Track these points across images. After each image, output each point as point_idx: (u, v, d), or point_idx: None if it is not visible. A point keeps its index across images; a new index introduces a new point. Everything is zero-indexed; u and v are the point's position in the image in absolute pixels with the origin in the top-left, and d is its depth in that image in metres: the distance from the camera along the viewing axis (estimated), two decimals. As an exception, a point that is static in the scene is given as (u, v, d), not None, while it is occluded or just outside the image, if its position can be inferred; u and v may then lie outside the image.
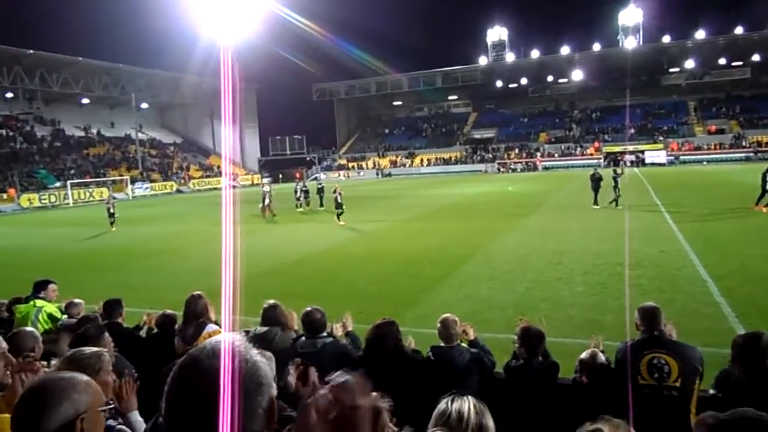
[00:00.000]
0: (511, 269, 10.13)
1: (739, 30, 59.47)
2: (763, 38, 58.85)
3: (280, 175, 62.85)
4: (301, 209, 23.95)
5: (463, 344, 3.53)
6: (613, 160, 54.12)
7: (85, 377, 1.45)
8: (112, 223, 20.51)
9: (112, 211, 20.70)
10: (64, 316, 5.04)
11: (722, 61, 61.44)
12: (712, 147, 55.70)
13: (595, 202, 18.92)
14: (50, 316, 5.03)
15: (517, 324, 3.57)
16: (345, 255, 12.66)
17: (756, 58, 60.03)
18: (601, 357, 3.20)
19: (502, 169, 58.57)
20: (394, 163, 65.99)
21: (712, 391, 2.99)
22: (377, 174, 62.77)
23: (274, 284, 9.50)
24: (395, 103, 77.03)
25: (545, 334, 3.40)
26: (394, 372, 3.08)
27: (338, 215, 18.53)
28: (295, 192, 24.77)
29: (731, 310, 6.95)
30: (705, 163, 52.11)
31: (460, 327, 3.54)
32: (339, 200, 18.53)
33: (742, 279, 8.50)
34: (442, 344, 3.48)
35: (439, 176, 55.58)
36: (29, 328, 3.40)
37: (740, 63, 61.43)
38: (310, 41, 56.95)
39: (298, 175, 56.17)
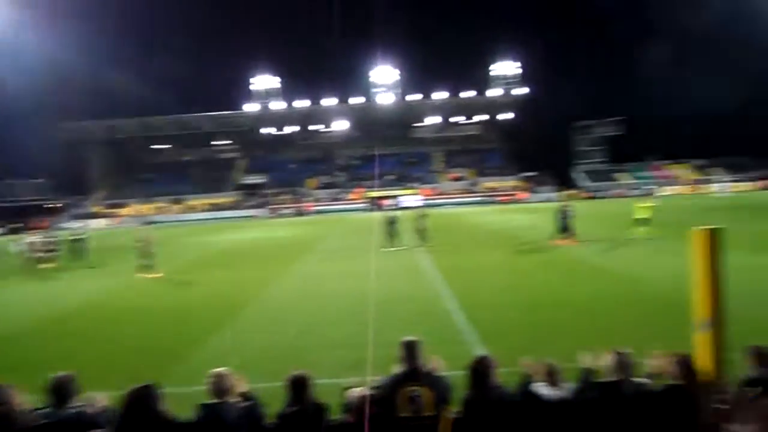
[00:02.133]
0: (283, 315, 11.66)
1: (469, 93, 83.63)
2: (486, 102, 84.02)
3: (18, 225, 62.82)
4: (45, 265, 22.74)
5: (234, 399, 3.85)
6: (377, 205, 70.23)
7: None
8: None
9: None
10: None
11: (458, 118, 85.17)
12: (456, 192, 76.04)
13: (390, 245, 22.55)
14: None
15: (289, 371, 4.00)
16: (106, 311, 13.24)
17: (482, 117, 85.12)
18: (366, 394, 3.75)
19: (272, 215, 69.46)
20: (159, 210, 72.01)
21: (454, 413, 3.80)
22: (140, 222, 67.59)
23: (15, 352, 9.81)
24: (160, 146, 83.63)
25: (309, 378, 3.93)
26: None
27: (145, 266, 18.99)
28: (35, 245, 23.63)
29: (476, 337, 8.98)
30: (450, 206, 70.63)
31: (231, 380, 3.87)
32: (147, 250, 19.19)
33: (482, 308, 11.04)
34: (213, 401, 3.78)
35: (209, 222, 62.88)
36: None
37: (472, 121, 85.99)
38: (60, 68, 59.39)
39: (41, 225, 57.98)
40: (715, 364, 3.85)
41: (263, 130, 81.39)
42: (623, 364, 3.83)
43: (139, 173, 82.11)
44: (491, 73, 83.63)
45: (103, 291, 16.42)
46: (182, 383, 6.51)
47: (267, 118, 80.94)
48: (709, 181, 71.53)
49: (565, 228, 22.27)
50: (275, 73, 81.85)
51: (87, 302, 14.65)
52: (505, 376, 4.12)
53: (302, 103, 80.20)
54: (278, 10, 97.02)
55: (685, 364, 3.84)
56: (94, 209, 73.19)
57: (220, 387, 3.86)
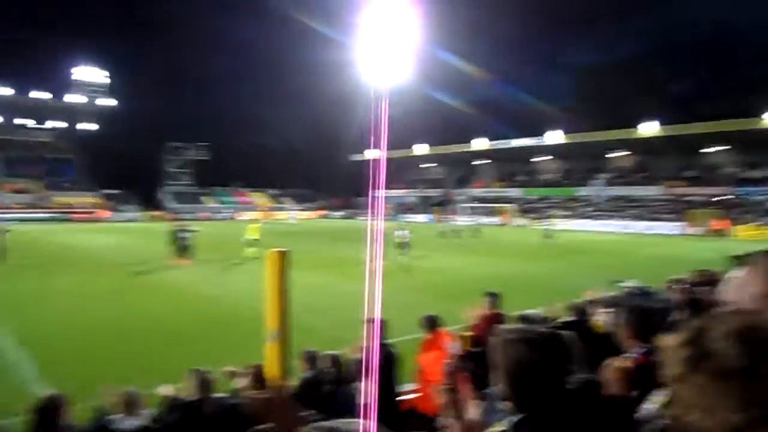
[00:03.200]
0: None
1: (42, 94, 73.05)
2: (63, 107, 74.96)
3: None
4: None
5: None
6: None
7: None
8: None
9: None
10: None
11: (26, 121, 73.20)
12: (20, 207, 64.65)
13: None
14: None
15: None
16: None
17: (58, 124, 75.45)
18: None
19: None
20: None
21: None
22: None
23: None
24: None
25: None
26: None
27: None
28: None
29: (33, 373, 8.11)
30: (16, 223, 59.68)
31: None
32: None
33: (40, 337, 10.09)
34: None
35: None
36: None
37: (44, 126, 75.28)
38: None
39: None
40: (281, 370, 4.40)
41: None
42: (203, 383, 3.99)
43: None
44: (72, 77, 75.46)
45: None
46: None
47: None
48: (282, 209, 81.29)
49: (183, 248, 22.13)
50: None
51: None
52: (80, 413, 3.77)
53: None
54: None
55: (257, 374, 4.26)
56: None
57: None
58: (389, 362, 4.80)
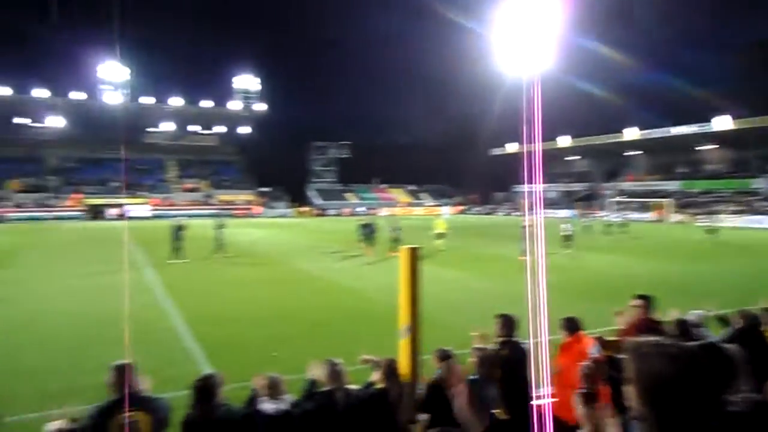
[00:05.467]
0: None
1: (208, 103, 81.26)
2: (226, 114, 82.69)
3: None
4: None
5: None
6: (98, 212, 62.88)
7: None
8: None
9: None
10: None
11: (195, 127, 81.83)
12: (189, 204, 72.51)
13: (176, 257, 21.10)
14: None
15: None
16: None
17: (221, 129, 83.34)
18: (66, 427, 3.51)
19: (-44, 221, 56.98)
20: None
21: None
22: None
23: None
24: None
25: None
26: None
27: None
28: None
29: (200, 353, 8.70)
30: (184, 218, 67.02)
31: None
32: None
33: (208, 322, 10.84)
34: None
35: None
36: None
37: (209, 132, 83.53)
38: None
39: None
40: (411, 366, 4.40)
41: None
42: (335, 374, 4.11)
43: None
44: (233, 86, 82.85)
45: None
46: None
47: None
48: (420, 204, 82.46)
49: (369, 238, 23.63)
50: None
51: None
52: (235, 392, 4.08)
53: (5, 91, 67.59)
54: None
55: (391, 368, 4.30)
56: None
57: None
58: (522, 362, 4.59)
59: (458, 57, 70.61)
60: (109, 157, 73.89)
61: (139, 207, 67.02)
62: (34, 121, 70.81)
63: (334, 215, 73.44)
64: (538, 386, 3.66)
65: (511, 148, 75.62)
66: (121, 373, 3.67)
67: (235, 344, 9.48)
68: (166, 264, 20.08)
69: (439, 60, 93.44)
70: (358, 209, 76.36)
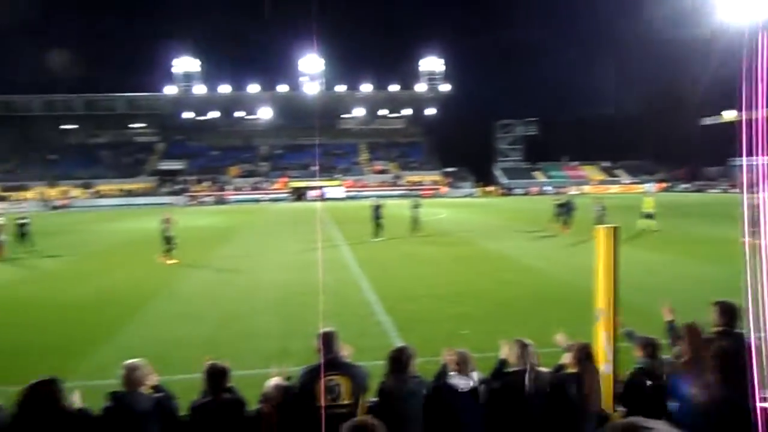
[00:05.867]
0: (201, 305, 11.36)
1: (395, 87, 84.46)
2: (412, 97, 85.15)
3: None
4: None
5: (146, 390, 3.80)
6: (301, 194, 69.76)
7: None
8: None
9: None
10: None
11: (384, 112, 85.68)
12: (379, 185, 76.48)
13: (377, 234, 22.03)
14: None
15: (205, 362, 3.94)
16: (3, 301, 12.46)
17: (407, 112, 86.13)
18: (283, 384, 3.90)
19: (191, 202, 67.12)
20: (64, 194, 67.57)
21: (371, 401, 3.96)
22: (44, 206, 63.26)
23: None
24: (67, 126, 78.35)
25: (225, 368, 3.91)
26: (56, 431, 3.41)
27: (166, 251, 17.46)
28: None
29: (392, 326, 9.21)
30: (373, 199, 70.73)
31: (144, 372, 3.81)
32: (168, 234, 17.69)
33: (399, 298, 11.33)
34: (123, 390, 3.74)
35: (122, 209, 59.44)
36: None
37: (397, 115, 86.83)
38: None
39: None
40: (606, 352, 4.14)
41: (183, 115, 78.04)
42: (525, 354, 4.03)
43: (43, 154, 76.50)
44: (418, 68, 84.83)
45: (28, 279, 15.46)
46: (89, 378, 6.31)
47: (187, 102, 77.81)
48: (615, 182, 76.51)
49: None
50: (198, 56, 79.10)
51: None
52: (424, 366, 4.24)
53: (225, 89, 77.80)
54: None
55: (584, 352, 4.09)
56: (-9, 191, 67.54)
57: (131, 378, 3.74)
58: (744, 357, 4.03)
59: (660, 11, 62.70)
60: (309, 143, 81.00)
61: (334, 188, 72.42)
62: (248, 114, 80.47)
63: (521, 194, 71.66)
64: (764, 387, 3.20)
65: (728, 115, 66.08)
66: (326, 339, 4.00)
67: (425, 319, 9.78)
68: (366, 242, 21.15)
69: (637, 18, 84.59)
70: (545, 188, 73.51)
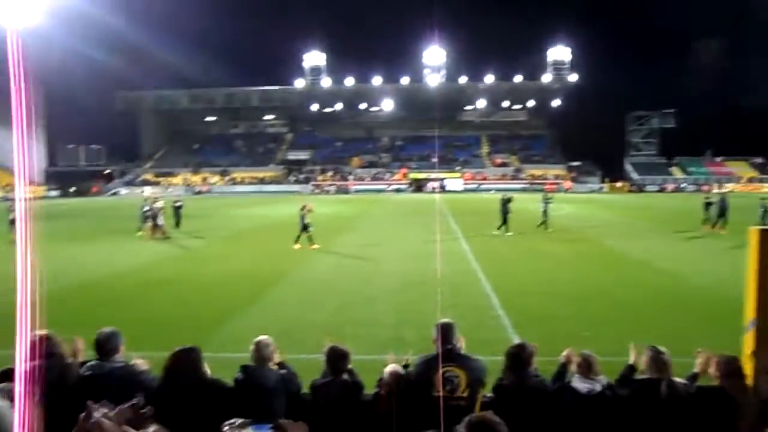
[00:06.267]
0: (321, 290, 11.83)
1: (518, 78, 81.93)
2: (536, 88, 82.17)
3: (72, 189, 66.13)
4: (142, 233, 22.09)
5: (273, 366, 4.01)
6: (420, 185, 70.33)
7: None
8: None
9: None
10: None
11: (506, 103, 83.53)
12: (499, 178, 74.90)
13: (503, 228, 21.18)
14: None
15: (325, 344, 4.12)
16: (146, 278, 13.44)
17: (531, 103, 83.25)
18: (400, 371, 3.93)
19: (316, 191, 70.18)
20: (206, 180, 73.79)
21: (489, 395, 3.85)
22: (187, 191, 69.37)
23: (61, 311, 9.26)
24: (209, 118, 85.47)
25: (348, 353, 4.06)
26: (196, 399, 3.60)
27: (307, 237, 18.09)
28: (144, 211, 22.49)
29: (509, 321, 9.04)
30: (493, 192, 68.98)
31: (272, 348, 4.02)
32: (306, 221, 18.22)
33: (517, 292, 11.17)
34: (253, 364, 3.94)
35: (253, 196, 63.55)
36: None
37: (519, 107, 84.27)
38: (117, 41, 60.20)
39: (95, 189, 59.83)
40: (757, 366, 3.71)
41: (311, 107, 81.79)
42: (660, 362, 3.72)
43: (188, 143, 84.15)
44: (545, 58, 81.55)
45: (144, 258, 16.87)
46: (220, 350, 6.75)
47: (315, 94, 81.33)
48: None
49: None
50: (325, 49, 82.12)
51: (125, 269, 14.82)
52: (542, 365, 4.08)
53: (350, 81, 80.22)
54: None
55: (731, 365, 3.70)
56: (144, 176, 75.51)
57: (261, 354, 3.95)
58: None
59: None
60: (430, 135, 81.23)
61: (454, 181, 72.10)
62: (371, 106, 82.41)
63: (654, 191, 66.58)
64: None
65: None
66: (445, 330, 3.94)
67: (544, 316, 9.43)
68: (486, 235, 20.87)
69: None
70: (683, 185, 67.71)
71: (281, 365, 4.13)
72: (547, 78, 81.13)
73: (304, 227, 18.21)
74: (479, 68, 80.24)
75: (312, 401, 3.94)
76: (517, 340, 7.77)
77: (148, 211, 22.21)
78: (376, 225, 27.20)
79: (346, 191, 70.48)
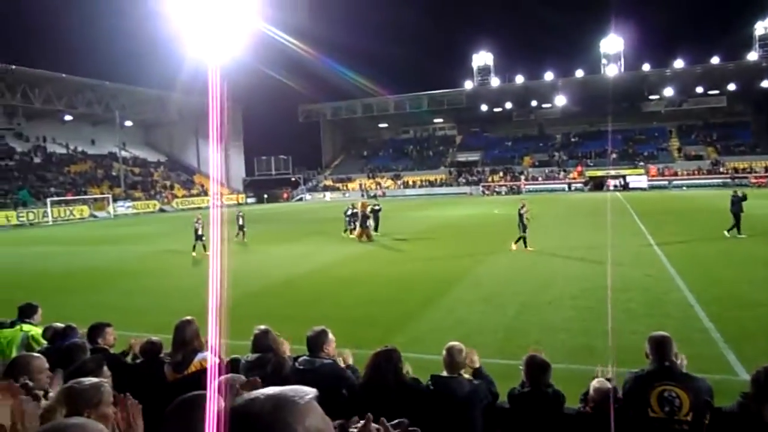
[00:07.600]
0: (501, 292, 11.47)
1: (715, 60, 72.42)
2: (739, 68, 71.89)
3: (265, 196, 73.94)
4: (346, 234, 24.02)
5: (465, 375, 3.89)
6: (599, 183, 65.83)
7: (98, 426, 1.51)
8: (202, 247, 19.69)
9: (200, 232, 19.86)
10: (44, 342, 5.37)
11: (699, 89, 74.28)
12: (691, 172, 67.14)
13: (736, 230, 18.43)
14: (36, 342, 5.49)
15: (529, 351, 3.95)
16: (332, 277, 14.08)
17: (731, 87, 73.01)
18: (609, 387, 3.59)
19: (486, 192, 69.27)
20: (378, 185, 77.05)
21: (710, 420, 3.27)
22: (363, 195, 72.90)
23: (260, 307, 10.56)
24: (381, 125, 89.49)
25: (550, 365, 3.79)
26: (394, 401, 3.53)
27: (522, 239, 17.89)
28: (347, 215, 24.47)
29: (720, 336, 7.83)
30: (684, 188, 62.18)
31: (465, 355, 3.88)
32: (525, 221, 17.98)
33: (729, 304, 9.67)
34: (443, 373, 3.85)
35: (424, 198, 65.11)
36: (36, 354, 3.65)
37: (717, 92, 74.38)
38: (298, 61, 66.06)
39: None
40: None
41: (480, 108, 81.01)
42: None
43: (363, 150, 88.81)
44: (748, 34, 71.15)
45: (329, 258, 17.94)
46: (405, 350, 6.84)
47: (483, 94, 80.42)
48: None
49: None
50: (493, 49, 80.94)
51: (312, 269, 15.88)
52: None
53: (519, 79, 77.89)
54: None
55: None
56: (325, 182, 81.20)
57: (453, 361, 3.89)
58: None
59: None
60: (607, 130, 75.48)
61: (636, 177, 66.23)
62: (542, 103, 79.14)
63: None
64: None
65: None
66: (661, 344, 3.54)
67: (764, 332, 8.15)
68: (681, 241, 18.35)
69: None
70: None
71: (478, 373, 4.03)
72: (752, 56, 70.64)
73: (524, 228, 17.99)
74: (664, 53, 72.79)
75: (511, 411, 3.79)
76: (733, 359, 6.86)
77: (353, 214, 24.04)
78: (554, 225, 26.19)
79: (518, 191, 68.49)
